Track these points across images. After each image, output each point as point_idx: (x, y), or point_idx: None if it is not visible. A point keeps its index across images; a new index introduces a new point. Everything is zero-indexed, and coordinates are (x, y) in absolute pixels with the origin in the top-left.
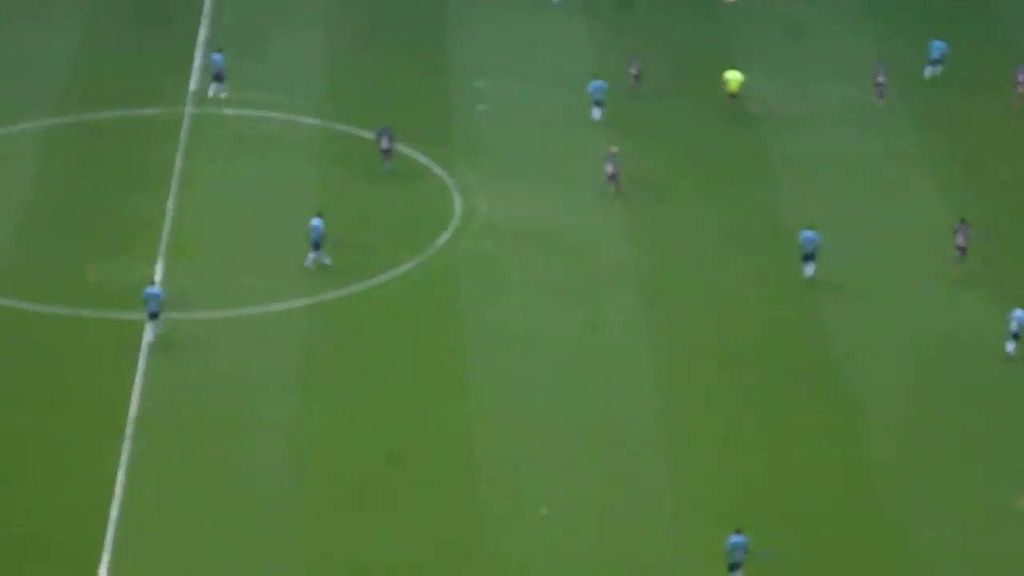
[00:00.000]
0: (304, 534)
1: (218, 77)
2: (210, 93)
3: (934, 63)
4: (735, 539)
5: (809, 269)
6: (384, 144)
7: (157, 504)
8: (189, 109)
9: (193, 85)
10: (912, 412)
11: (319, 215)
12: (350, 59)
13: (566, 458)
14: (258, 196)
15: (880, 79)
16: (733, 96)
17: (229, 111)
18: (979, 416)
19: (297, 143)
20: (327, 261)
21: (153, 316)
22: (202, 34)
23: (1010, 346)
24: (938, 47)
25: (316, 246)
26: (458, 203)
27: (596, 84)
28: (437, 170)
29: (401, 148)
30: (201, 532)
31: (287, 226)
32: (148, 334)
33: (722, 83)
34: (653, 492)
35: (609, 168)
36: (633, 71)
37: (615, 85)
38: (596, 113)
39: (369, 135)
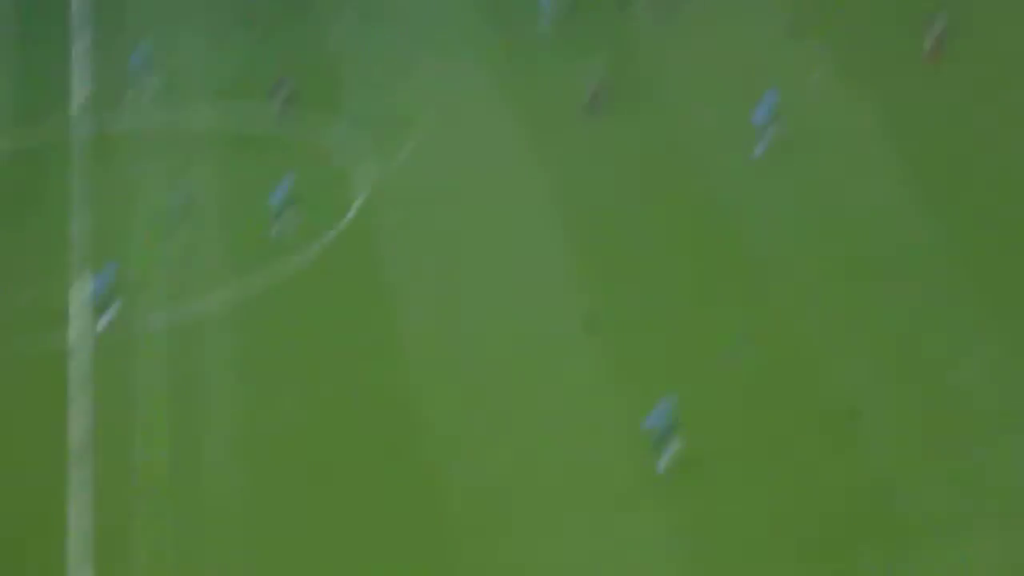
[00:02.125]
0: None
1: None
2: None
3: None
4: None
5: None
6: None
7: None
8: None
9: None
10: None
11: (282, 183)
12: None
13: (511, 411)
14: (161, 201)
15: None
16: None
17: None
18: None
19: (190, 141)
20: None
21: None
22: None
23: None
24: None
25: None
26: (364, 175)
27: None
28: (336, 146)
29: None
30: None
31: (197, 227)
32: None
33: None
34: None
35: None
36: None
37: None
38: None
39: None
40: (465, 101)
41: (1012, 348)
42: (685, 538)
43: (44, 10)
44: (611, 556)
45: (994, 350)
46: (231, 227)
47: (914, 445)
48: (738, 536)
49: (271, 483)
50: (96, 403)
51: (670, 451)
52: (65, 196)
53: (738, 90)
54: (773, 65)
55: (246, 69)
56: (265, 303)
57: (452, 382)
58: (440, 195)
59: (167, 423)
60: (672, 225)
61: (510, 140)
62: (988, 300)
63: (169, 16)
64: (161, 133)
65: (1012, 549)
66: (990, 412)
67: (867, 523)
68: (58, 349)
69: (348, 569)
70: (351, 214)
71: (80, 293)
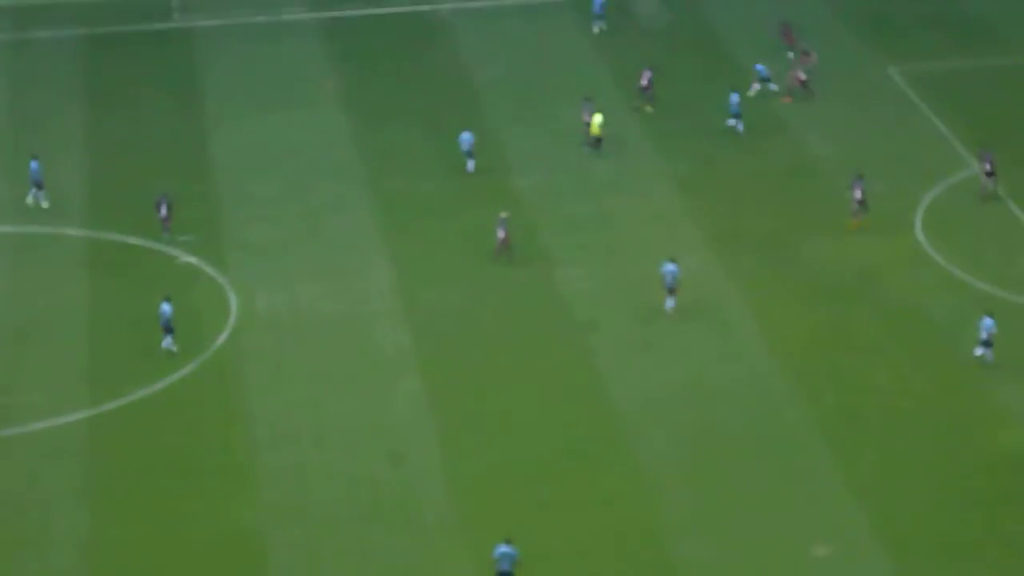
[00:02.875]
0: None
1: (38, 185)
2: (28, 201)
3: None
4: (503, 549)
5: (671, 303)
6: (163, 212)
7: None
8: None
9: None
10: (700, 467)
11: (167, 300)
12: (111, 167)
13: (363, 549)
14: (28, 313)
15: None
16: (598, 140)
17: None
18: (765, 465)
19: (64, 256)
20: (175, 349)
21: None
22: None
23: (979, 351)
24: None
25: (168, 330)
26: (234, 301)
27: (465, 136)
28: (210, 270)
29: (171, 250)
30: None
31: (61, 340)
32: None
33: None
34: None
35: (500, 233)
36: None
37: (362, 174)
38: (470, 165)
39: (135, 241)
40: (348, 231)
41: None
42: None
43: None
44: None
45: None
46: (103, 341)
47: None
48: None
49: None
50: None
51: None
52: None
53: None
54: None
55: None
56: (126, 421)
57: (299, 520)
58: (310, 324)
59: (9, 537)
60: (544, 383)
61: (386, 277)
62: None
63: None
64: (45, 240)
65: None
66: None
67: None
68: None
69: None
70: (223, 337)
71: None
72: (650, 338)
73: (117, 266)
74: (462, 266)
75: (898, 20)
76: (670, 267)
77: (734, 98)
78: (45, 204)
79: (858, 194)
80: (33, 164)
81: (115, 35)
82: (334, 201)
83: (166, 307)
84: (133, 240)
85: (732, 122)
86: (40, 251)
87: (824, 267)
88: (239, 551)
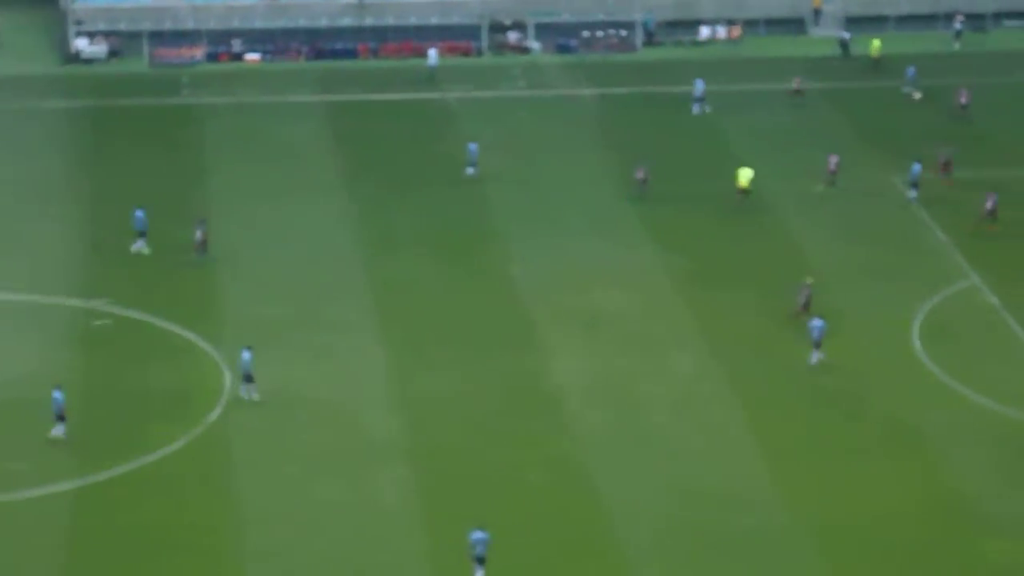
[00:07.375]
0: None
1: (142, 234)
2: (132, 249)
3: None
4: (478, 535)
5: (815, 356)
6: (199, 235)
7: None
8: None
9: None
10: (684, 568)
11: (248, 348)
12: (111, 237)
13: None
14: (19, 381)
15: None
16: (743, 191)
17: None
18: (748, 568)
19: (56, 325)
20: (255, 397)
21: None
22: None
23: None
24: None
25: (248, 379)
26: (228, 378)
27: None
28: (204, 345)
29: (166, 325)
30: None
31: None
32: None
33: (734, 178)
34: None
35: (801, 298)
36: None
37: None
38: (470, 171)
39: (131, 313)
40: (344, 313)
41: None
42: None
43: None
44: None
45: None
46: (95, 412)
47: None
48: None
49: None
50: None
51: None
52: None
53: None
54: None
55: None
56: (112, 494)
57: None
58: (302, 405)
59: None
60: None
61: (381, 362)
62: None
63: None
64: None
65: None
66: None
67: None
68: None
69: None
70: (215, 414)
71: None
72: (641, 434)
73: (111, 337)
74: (457, 353)
75: (906, 132)
76: (817, 322)
77: (916, 168)
78: (146, 251)
79: (989, 204)
80: (139, 213)
81: (125, 108)
82: (332, 283)
83: (246, 354)
84: (129, 312)
85: (912, 194)
86: (34, 319)
87: (818, 371)
88: None
